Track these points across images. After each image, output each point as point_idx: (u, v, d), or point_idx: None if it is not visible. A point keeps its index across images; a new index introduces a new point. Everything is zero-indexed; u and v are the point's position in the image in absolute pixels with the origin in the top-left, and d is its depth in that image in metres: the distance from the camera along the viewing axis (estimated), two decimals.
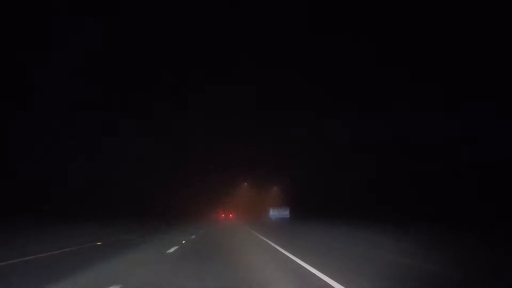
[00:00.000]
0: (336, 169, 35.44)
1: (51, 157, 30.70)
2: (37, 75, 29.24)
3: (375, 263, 8.16)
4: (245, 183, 63.96)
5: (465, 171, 22.62)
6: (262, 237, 17.02)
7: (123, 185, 40.07)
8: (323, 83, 34.81)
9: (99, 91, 34.72)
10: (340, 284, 5.83)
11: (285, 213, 42.96)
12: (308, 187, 40.74)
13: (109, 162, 39.06)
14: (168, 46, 39.11)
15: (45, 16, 27.26)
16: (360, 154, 31.64)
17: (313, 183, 39.63)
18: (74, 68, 31.25)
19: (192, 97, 43.13)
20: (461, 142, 22.94)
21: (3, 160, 25.54)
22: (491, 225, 14.76)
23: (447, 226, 16.00)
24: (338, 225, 20.55)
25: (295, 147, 41.36)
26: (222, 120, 50.14)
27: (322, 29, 30.43)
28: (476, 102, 21.88)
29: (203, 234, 19.97)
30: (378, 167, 29.87)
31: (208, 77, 44.69)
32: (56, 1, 28.02)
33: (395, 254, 9.37)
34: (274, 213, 44.01)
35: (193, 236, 17.08)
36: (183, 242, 14.09)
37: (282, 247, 11.70)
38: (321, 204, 37.07)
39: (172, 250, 11.08)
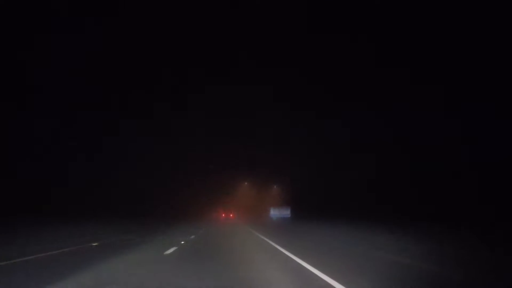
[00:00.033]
0: (336, 169, 35.45)
1: (51, 157, 30.70)
2: (37, 75, 29.24)
3: (375, 263, 8.16)
4: (246, 183, 63.97)
5: (465, 171, 22.62)
6: (262, 237, 17.02)
7: (123, 185, 40.07)
8: (323, 83, 34.83)
9: (99, 91, 34.74)
10: (341, 284, 5.83)
11: (286, 212, 42.67)
12: (309, 186, 40.74)
13: (109, 162, 39.08)
14: (168, 46, 39.12)
15: (45, 16, 27.26)
16: (360, 154, 31.64)
17: (313, 183, 39.64)
18: (74, 68, 31.26)
19: (192, 97, 43.18)
20: (461, 142, 22.93)
21: (3, 160, 25.54)
22: (491, 225, 14.76)
23: (447, 226, 16.00)
24: (338, 225, 20.54)
25: (295, 147, 41.39)
26: (222, 120, 50.23)
27: (322, 29, 30.44)
28: (476, 102, 21.88)
29: (203, 234, 19.97)
30: (378, 167, 29.87)
31: (208, 77, 44.72)
32: (56, 1, 28.02)
33: (395, 254, 9.37)
34: (275, 212, 43.68)
35: (193, 236, 17.07)
36: (184, 242, 14.09)
37: (283, 247, 11.71)
38: (321, 204, 37.07)
39: (172, 250, 11.08)
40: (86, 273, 7.02)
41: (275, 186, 57.00)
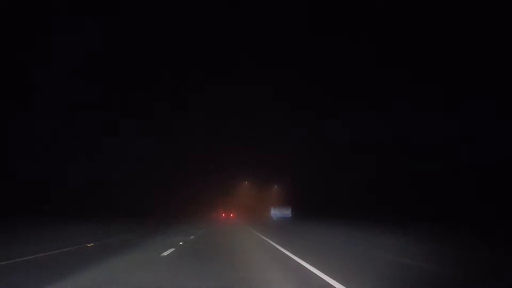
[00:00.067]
0: (336, 169, 35.48)
1: (51, 157, 30.72)
2: (37, 75, 29.27)
3: (375, 263, 8.16)
4: (246, 182, 63.92)
5: (465, 171, 22.62)
6: (263, 237, 17.02)
7: (123, 185, 40.09)
8: (323, 83, 34.85)
9: (99, 91, 34.78)
10: (341, 283, 5.83)
11: (286, 212, 42.40)
12: (309, 186, 40.75)
13: (109, 162, 39.10)
14: (168, 46, 39.19)
15: (45, 16, 27.27)
16: (360, 154, 31.66)
17: (313, 182, 39.67)
18: (74, 68, 31.30)
19: (192, 97, 43.22)
20: (461, 142, 22.95)
21: (3, 160, 25.55)
22: (491, 225, 14.77)
23: (447, 226, 16.01)
24: (338, 225, 20.54)
25: (295, 147, 41.41)
26: (222, 120, 50.28)
27: (322, 29, 30.45)
28: (476, 102, 21.89)
29: (203, 234, 19.96)
30: (378, 167, 29.88)
31: (208, 77, 44.78)
32: (56, 1, 28.03)
33: (395, 254, 9.37)
34: (276, 212, 43.34)
35: (193, 236, 17.06)
36: (185, 241, 14.08)
37: (283, 246, 11.71)
38: (321, 204, 37.07)
39: (171, 250, 11.08)
40: (85, 273, 7.01)
41: (275, 186, 56.99)
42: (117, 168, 40.01)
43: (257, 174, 58.77)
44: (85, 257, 9.46)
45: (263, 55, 39.81)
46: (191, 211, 54.20)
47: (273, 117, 44.14)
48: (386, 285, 6.01)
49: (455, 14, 22.06)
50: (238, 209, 67.54)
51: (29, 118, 28.76)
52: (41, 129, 30.02)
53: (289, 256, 9.50)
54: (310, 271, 7.20)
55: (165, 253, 10.07)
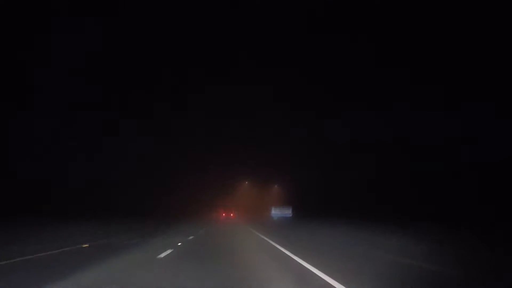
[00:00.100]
0: (336, 169, 35.49)
1: (51, 157, 30.72)
2: (37, 75, 29.28)
3: (375, 263, 8.16)
4: (246, 182, 63.88)
5: (465, 171, 22.62)
6: (263, 237, 17.02)
7: (123, 185, 40.09)
8: (323, 83, 34.87)
9: (99, 91, 34.79)
10: (341, 283, 5.83)
11: (287, 212, 42.24)
12: (309, 186, 40.75)
13: (109, 162, 39.10)
14: (168, 46, 39.21)
15: (45, 16, 27.29)
16: (360, 154, 31.66)
17: (313, 182, 39.66)
18: (74, 68, 31.32)
19: (192, 97, 43.24)
20: (461, 142, 22.95)
21: (3, 160, 25.55)
22: (491, 225, 14.76)
23: (447, 226, 16.00)
24: (339, 225, 20.53)
25: (295, 147, 41.44)
26: (222, 120, 50.30)
27: (322, 29, 30.47)
28: (476, 102, 21.90)
29: (203, 234, 19.96)
30: (378, 167, 29.88)
31: (208, 77, 44.80)
32: (56, 1, 28.04)
33: (395, 254, 9.37)
34: (276, 212, 43.12)
35: (193, 236, 17.06)
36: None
37: (283, 246, 11.71)
38: (321, 204, 37.05)
39: (171, 250, 11.09)
40: (86, 272, 7.02)
41: (275, 186, 56.96)
42: (117, 168, 40.04)
43: (257, 174, 58.84)
44: (86, 257, 9.44)
45: (263, 55, 39.88)
46: (191, 211, 54.16)
47: (273, 117, 44.20)
48: (386, 285, 6.02)
49: (455, 14, 22.07)
50: (238, 209, 67.50)
51: (29, 118, 28.80)
52: (41, 129, 30.05)
53: (290, 256, 9.50)
54: (310, 271, 7.20)
55: (165, 253, 10.05)
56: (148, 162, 46.96)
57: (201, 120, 49.28)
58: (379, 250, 10.31)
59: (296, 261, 8.62)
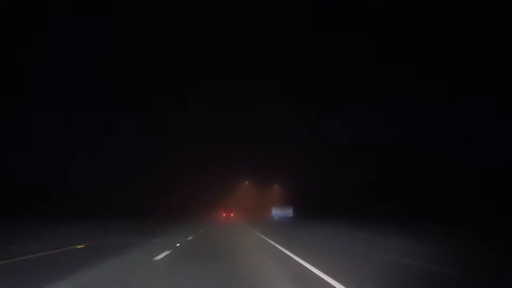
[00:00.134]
0: (336, 169, 35.48)
1: (51, 157, 30.72)
2: (37, 75, 29.27)
3: (375, 263, 8.17)
4: (246, 182, 63.88)
5: (465, 171, 22.62)
6: (263, 236, 17.02)
7: (123, 185, 40.10)
8: (323, 83, 34.87)
9: (99, 91, 34.78)
10: (341, 283, 5.83)
11: (288, 212, 42.03)
12: (309, 186, 40.74)
13: (109, 162, 39.11)
14: (168, 46, 39.20)
15: (45, 16, 27.29)
16: (360, 154, 31.67)
17: (314, 182, 39.66)
18: (74, 68, 31.31)
19: (192, 97, 43.23)
20: (461, 142, 22.94)
21: (3, 160, 25.54)
22: (491, 225, 14.76)
23: (447, 226, 16.00)
24: (339, 225, 20.54)
25: (295, 147, 41.44)
26: (222, 120, 50.29)
27: (322, 29, 30.47)
28: (476, 102, 21.89)
29: (203, 234, 19.97)
30: (378, 167, 29.88)
31: (208, 77, 44.80)
32: (56, 1, 28.04)
33: (395, 254, 9.38)
34: (277, 212, 42.85)
35: (193, 237, 17.06)
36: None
37: (283, 246, 11.72)
38: (322, 204, 37.05)
39: (171, 251, 11.09)
40: (86, 272, 7.02)
41: (276, 186, 56.96)
42: (117, 168, 40.05)
43: (258, 174, 58.83)
44: (86, 256, 9.43)
45: (263, 55, 39.85)
46: (191, 211, 54.17)
47: (273, 117, 44.15)
48: (386, 285, 6.02)
49: (455, 14, 22.07)
50: (238, 209, 67.51)
51: (29, 118, 28.79)
52: (41, 129, 30.04)
53: (290, 256, 9.51)
54: (310, 271, 7.20)
55: (163, 254, 9.98)
56: (148, 162, 46.99)
57: (201, 120, 49.25)
58: (379, 250, 10.32)
59: (296, 261, 8.62)
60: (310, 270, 7.23)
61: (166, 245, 12.30)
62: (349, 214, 25.96)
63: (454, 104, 23.33)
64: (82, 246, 11.92)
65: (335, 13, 28.56)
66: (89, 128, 35.03)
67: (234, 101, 43.51)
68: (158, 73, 39.07)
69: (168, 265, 8.15)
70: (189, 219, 40.98)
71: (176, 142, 49.17)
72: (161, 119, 44.32)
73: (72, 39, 30.91)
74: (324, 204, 36.46)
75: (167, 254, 9.81)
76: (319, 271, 6.95)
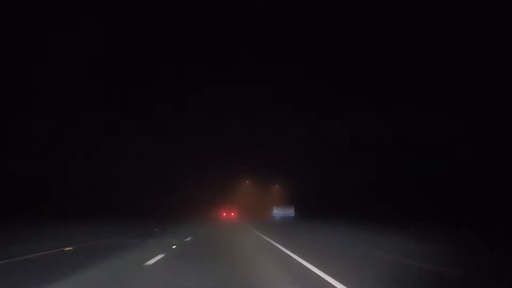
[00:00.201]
0: (336, 169, 35.49)
1: (51, 157, 30.70)
2: (37, 75, 29.25)
3: (375, 263, 8.17)
4: (247, 182, 63.87)
5: (465, 171, 22.62)
6: (264, 237, 17.03)
7: (123, 185, 40.06)
8: (323, 83, 34.89)
9: (99, 91, 34.77)
10: (341, 283, 5.83)
11: (289, 211, 41.81)
12: (310, 186, 40.75)
13: (109, 162, 39.08)
14: (168, 46, 39.21)
15: (45, 16, 27.28)
16: (360, 154, 31.67)
17: (314, 182, 39.67)
18: (74, 68, 31.29)
19: (192, 97, 43.24)
20: (461, 142, 22.95)
21: (3, 160, 25.53)
22: (491, 225, 14.76)
23: (447, 226, 16.00)
24: (339, 225, 20.56)
25: (295, 147, 41.46)
26: (222, 120, 50.32)
27: (322, 29, 30.47)
28: (476, 102, 21.89)
29: (203, 234, 19.97)
30: (378, 167, 29.88)
31: (208, 77, 44.80)
32: (56, 1, 28.05)
33: (395, 254, 9.38)
34: (278, 211, 42.56)
35: (191, 237, 17.06)
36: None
37: (284, 246, 11.73)
38: (322, 204, 37.06)
39: (163, 255, 11.09)
40: (87, 271, 7.03)
41: (276, 185, 56.97)
42: (117, 168, 39.99)
43: (258, 174, 58.85)
44: (86, 256, 9.42)
45: (263, 55, 39.87)
46: (191, 210, 54.19)
47: (273, 117, 44.18)
48: (386, 285, 6.02)
49: (455, 14, 22.07)
50: (239, 209, 67.49)
51: (29, 118, 28.76)
52: (41, 129, 30.01)
53: (290, 256, 9.51)
54: (311, 270, 7.20)
55: (160, 257, 9.39)
56: (148, 162, 46.96)
57: (201, 120, 49.30)
58: (379, 250, 10.32)
59: (297, 260, 8.63)
60: (311, 270, 7.23)
61: (162, 247, 11.72)
62: (349, 214, 25.96)
63: (454, 104, 23.34)
64: (69, 248, 11.08)
65: (335, 13, 28.57)
66: (89, 128, 35.03)
67: (234, 101, 43.55)
68: (158, 73, 39.10)
69: (160, 271, 7.38)
70: (189, 219, 41.00)
71: (176, 142, 49.21)
72: (161, 119, 44.36)
73: (72, 39, 30.91)
74: (324, 204, 36.48)
75: (161, 258, 9.04)
76: (320, 271, 6.95)
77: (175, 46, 39.58)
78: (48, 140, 30.95)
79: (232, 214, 67.29)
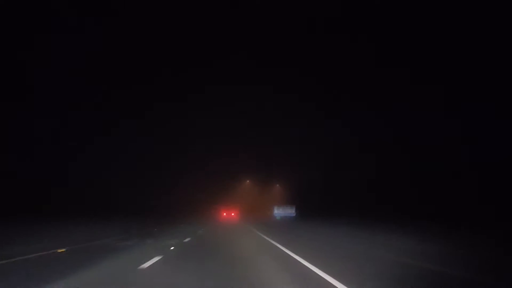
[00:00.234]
0: (336, 169, 35.52)
1: (51, 157, 30.70)
2: (37, 75, 29.26)
3: (375, 263, 8.17)
4: (247, 181, 63.82)
5: (465, 171, 22.64)
6: (264, 237, 17.03)
7: (123, 185, 40.07)
8: (323, 83, 34.93)
9: (99, 91, 34.80)
10: (341, 283, 5.83)
11: (290, 211, 41.63)
12: (310, 186, 40.76)
13: (109, 162, 39.10)
14: (168, 46, 39.23)
15: (45, 16, 27.29)
16: (360, 154, 31.71)
17: (314, 182, 39.69)
18: (74, 68, 31.31)
19: (192, 97, 43.28)
20: (461, 142, 22.97)
21: (3, 160, 25.53)
22: (491, 225, 14.78)
23: (447, 226, 16.01)
24: (339, 225, 20.57)
25: (295, 147, 41.49)
26: (222, 120, 50.37)
27: (322, 29, 30.50)
28: (476, 102, 21.91)
29: (203, 234, 19.96)
30: (378, 167, 29.91)
31: (208, 77, 44.83)
32: (56, 1, 28.06)
33: (395, 254, 9.38)
34: (279, 211, 42.30)
35: (190, 238, 17.05)
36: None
37: (284, 246, 11.72)
38: (322, 203, 37.06)
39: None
40: (88, 271, 7.02)
41: (277, 185, 56.95)
42: (117, 168, 40.03)
43: (258, 173, 58.86)
44: (86, 256, 9.41)
45: (263, 55, 39.91)
46: (191, 210, 54.15)
47: (273, 117, 44.23)
48: (386, 285, 6.01)
49: (455, 14, 22.08)
50: (239, 209, 67.44)
51: (29, 118, 28.77)
52: (41, 129, 30.03)
53: (291, 256, 9.51)
54: (311, 270, 7.20)
55: (156, 259, 8.93)
56: (148, 162, 47.01)
57: (201, 120, 49.38)
58: (379, 250, 10.32)
59: (297, 260, 8.62)
60: (311, 270, 7.23)
61: (160, 248, 11.30)
62: (349, 214, 25.98)
63: (454, 104, 23.38)
64: (63, 250, 10.51)
65: (335, 13, 28.58)
66: (89, 128, 35.06)
67: (234, 101, 43.56)
68: (158, 73, 39.15)
69: (155, 275, 6.99)
70: (189, 218, 40.94)
71: (176, 142, 49.25)
72: (161, 119, 44.41)
73: (72, 39, 30.95)
74: (325, 203, 36.49)
75: (158, 260, 8.56)
76: (320, 271, 6.95)
77: (175, 46, 39.65)
78: (48, 140, 30.97)
79: (233, 214, 67.21)
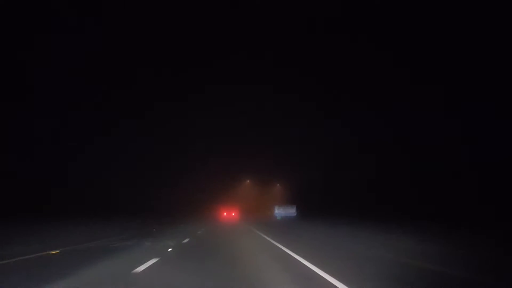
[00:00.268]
0: (336, 169, 35.54)
1: (51, 157, 30.70)
2: (37, 75, 29.27)
3: (375, 263, 8.17)
4: (248, 181, 63.79)
5: (465, 171, 22.64)
6: (265, 237, 17.03)
7: (123, 185, 40.09)
8: (323, 83, 34.96)
9: (99, 91, 34.83)
10: (342, 282, 5.84)
11: (291, 211, 41.54)
12: (310, 186, 40.77)
13: (109, 162, 39.11)
14: (168, 46, 39.24)
15: (45, 16, 27.31)
16: (360, 154, 31.73)
17: (314, 182, 39.70)
18: (74, 68, 31.33)
19: (192, 97, 43.31)
20: (461, 142, 22.97)
21: (3, 160, 25.53)
22: (491, 225, 14.77)
23: (447, 225, 16.01)
24: (340, 225, 20.57)
25: (295, 147, 41.52)
26: (222, 120, 50.40)
27: (322, 29, 30.52)
28: (476, 102, 21.92)
29: (202, 235, 19.95)
30: (378, 167, 29.92)
31: (208, 77, 44.85)
32: (56, 1, 28.07)
33: (395, 254, 9.38)
34: (280, 211, 42.20)
35: (189, 239, 17.05)
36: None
37: (285, 246, 11.73)
38: (323, 203, 37.06)
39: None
40: (88, 270, 7.03)
41: (278, 185, 56.94)
42: (117, 168, 40.05)
43: (259, 173, 58.86)
44: (87, 256, 9.41)
45: (263, 55, 39.92)
46: (191, 210, 54.17)
47: (273, 117, 44.26)
48: (386, 285, 6.02)
49: (455, 14, 22.09)
50: (239, 208, 67.38)
51: (29, 118, 28.78)
52: (41, 129, 30.03)
53: (291, 255, 9.51)
54: (312, 270, 7.21)
55: (152, 262, 8.53)
56: (148, 162, 47.03)
57: (201, 120, 49.42)
58: (379, 250, 10.32)
59: (298, 260, 8.63)
60: (311, 270, 7.23)
61: (157, 249, 11.04)
62: (349, 214, 25.96)
63: (454, 104, 23.38)
64: (56, 252, 10.21)
65: (335, 13, 28.58)
66: (89, 128, 35.07)
67: (234, 101, 43.59)
68: (158, 73, 39.19)
69: (150, 279, 6.61)
70: (188, 218, 40.94)
71: (176, 142, 49.27)
72: (161, 119, 44.44)
73: (72, 39, 30.97)
74: (325, 203, 36.48)
75: (154, 263, 8.23)
76: (320, 270, 6.96)
77: (175, 46, 39.68)
78: (48, 140, 30.97)
79: (233, 214, 67.15)
